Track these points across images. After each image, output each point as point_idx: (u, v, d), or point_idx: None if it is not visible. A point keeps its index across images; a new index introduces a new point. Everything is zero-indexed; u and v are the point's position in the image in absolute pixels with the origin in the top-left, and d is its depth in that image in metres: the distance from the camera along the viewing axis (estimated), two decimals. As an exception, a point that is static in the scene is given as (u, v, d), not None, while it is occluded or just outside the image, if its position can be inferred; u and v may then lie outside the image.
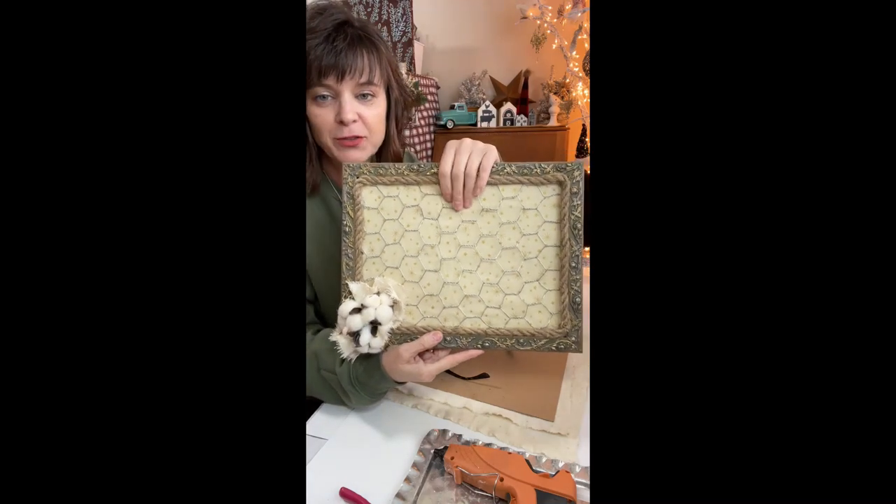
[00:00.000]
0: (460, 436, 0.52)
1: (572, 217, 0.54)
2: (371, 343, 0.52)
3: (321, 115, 0.62)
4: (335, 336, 0.55)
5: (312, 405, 0.61)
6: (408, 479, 0.47)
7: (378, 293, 0.54)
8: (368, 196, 0.58)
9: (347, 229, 0.58)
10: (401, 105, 0.69)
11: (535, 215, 0.56)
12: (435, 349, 0.54)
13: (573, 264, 0.54)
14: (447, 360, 0.53)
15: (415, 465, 0.49)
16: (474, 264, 0.57)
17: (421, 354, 0.54)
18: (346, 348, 0.54)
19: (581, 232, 0.54)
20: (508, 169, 0.55)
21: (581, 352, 0.54)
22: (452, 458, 0.47)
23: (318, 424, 0.57)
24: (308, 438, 0.55)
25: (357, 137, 0.63)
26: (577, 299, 0.54)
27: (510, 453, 0.48)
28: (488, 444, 0.50)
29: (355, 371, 0.56)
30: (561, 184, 0.55)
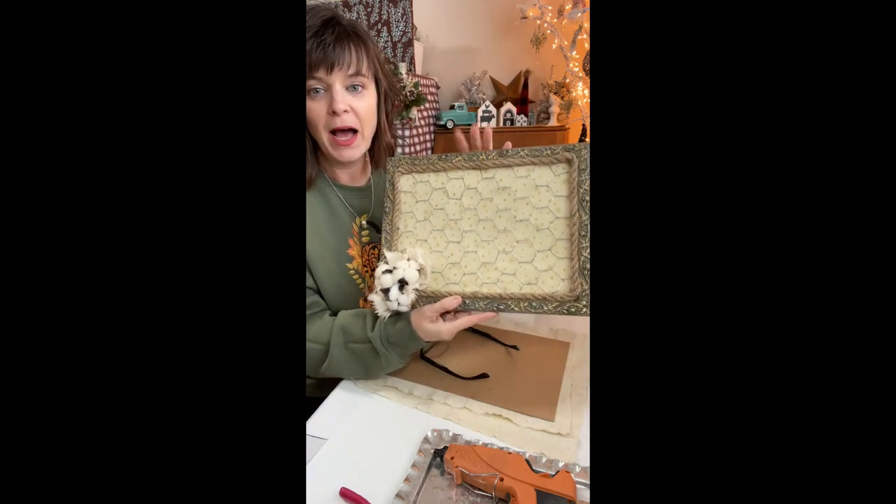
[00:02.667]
0: (460, 436, 0.52)
1: (580, 191, 0.59)
2: (399, 300, 0.60)
3: (314, 108, 0.65)
4: (372, 295, 0.62)
5: (312, 405, 0.61)
6: (408, 479, 0.47)
7: (408, 260, 0.61)
8: (405, 182, 0.67)
9: (387, 210, 0.68)
10: (390, 97, 0.73)
11: (547, 191, 0.61)
12: (456, 312, 0.60)
13: (582, 233, 0.58)
14: (464, 320, 0.58)
15: (415, 465, 0.49)
16: (491, 235, 0.63)
17: (443, 316, 0.59)
18: (380, 305, 0.61)
19: (589, 204, 0.59)
20: (522, 152, 0.62)
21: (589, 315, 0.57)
22: (452, 458, 0.47)
23: (318, 424, 0.57)
24: (308, 438, 0.55)
25: (352, 132, 0.67)
26: (587, 265, 0.57)
27: (510, 453, 0.48)
28: (488, 444, 0.50)
29: (387, 333, 0.61)
30: (569, 162, 0.60)
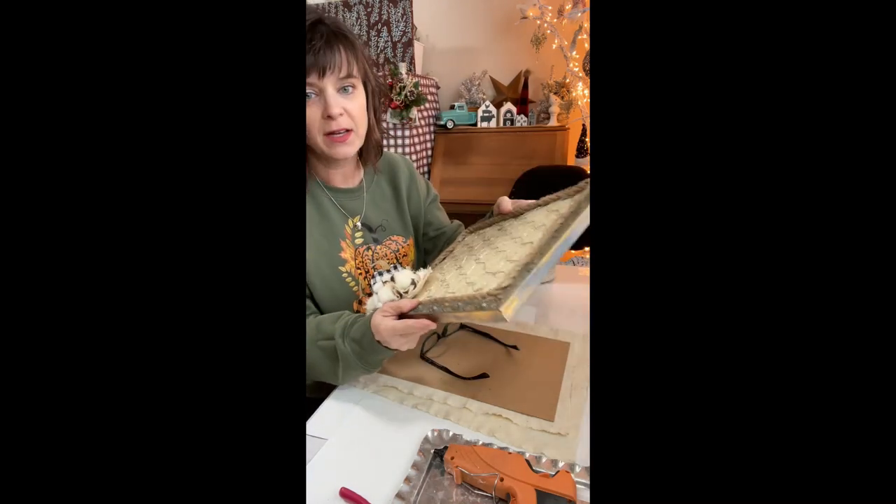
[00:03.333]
0: (460, 436, 0.52)
1: (574, 211, 0.53)
2: (380, 294, 0.61)
3: (309, 113, 0.65)
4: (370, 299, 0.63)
5: (312, 405, 0.61)
6: (408, 479, 0.47)
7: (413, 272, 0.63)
8: (470, 237, 0.77)
9: (437, 255, 0.77)
10: (377, 95, 0.74)
11: (555, 214, 0.57)
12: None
13: (555, 233, 0.51)
14: (402, 323, 0.54)
15: (415, 465, 0.49)
16: (481, 251, 0.63)
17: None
18: (369, 303, 0.63)
19: (566, 223, 0.53)
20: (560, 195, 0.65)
21: (496, 311, 0.45)
22: (452, 458, 0.47)
23: (318, 424, 0.57)
24: (308, 438, 0.55)
25: (347, 131, 0.67)
26: (533, 264, 0.47)
27: (510, 453, 0.48)
28: (488, 444, 0.50)
29: (350, 327, 0.60)
30: (581, 191, 0.58)
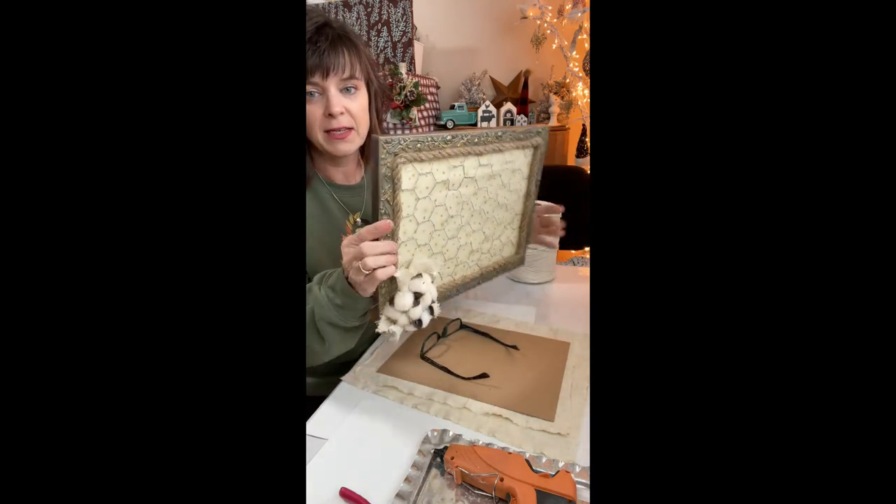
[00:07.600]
0: (460, 436, 0.52)
1: (535, 171, 0.74)
2: (425, 319, 0.59)
3: (311, 111, 0.67)
4: (384, 327, 0.57)
5: (312, 405, 0.61)
6: (408, 479, 0.47)
7: (419, 275, 0.57)
8: (405, 176, 0.56)
9: (385, 214, 0.55)
10: (380, 97, 0.76)
11: (519, 174, 0.72)
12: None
13: (531, 208, 0.78)
14: (362, 248, 0.53)
15: (415, 465, 0.49)
16: (479, 223, 0.69)
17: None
18: (399, 331, 0.58)
19: (538, 183, 0.76)
20: (508, 134, 0.66)
21: (523, 264, 0.84)
22: (452, 458, 0.47)
23: (318, 424, 0.57)
24: (308, 438, 0.55)
25: (347, 129, 0.69)
26: (528, 232, 0.80)
27: (510, 453, 0.48)
28: (488, 444, 0.50)
29: (327, 278, 0.61)
30: (536, 148, 0.71)
